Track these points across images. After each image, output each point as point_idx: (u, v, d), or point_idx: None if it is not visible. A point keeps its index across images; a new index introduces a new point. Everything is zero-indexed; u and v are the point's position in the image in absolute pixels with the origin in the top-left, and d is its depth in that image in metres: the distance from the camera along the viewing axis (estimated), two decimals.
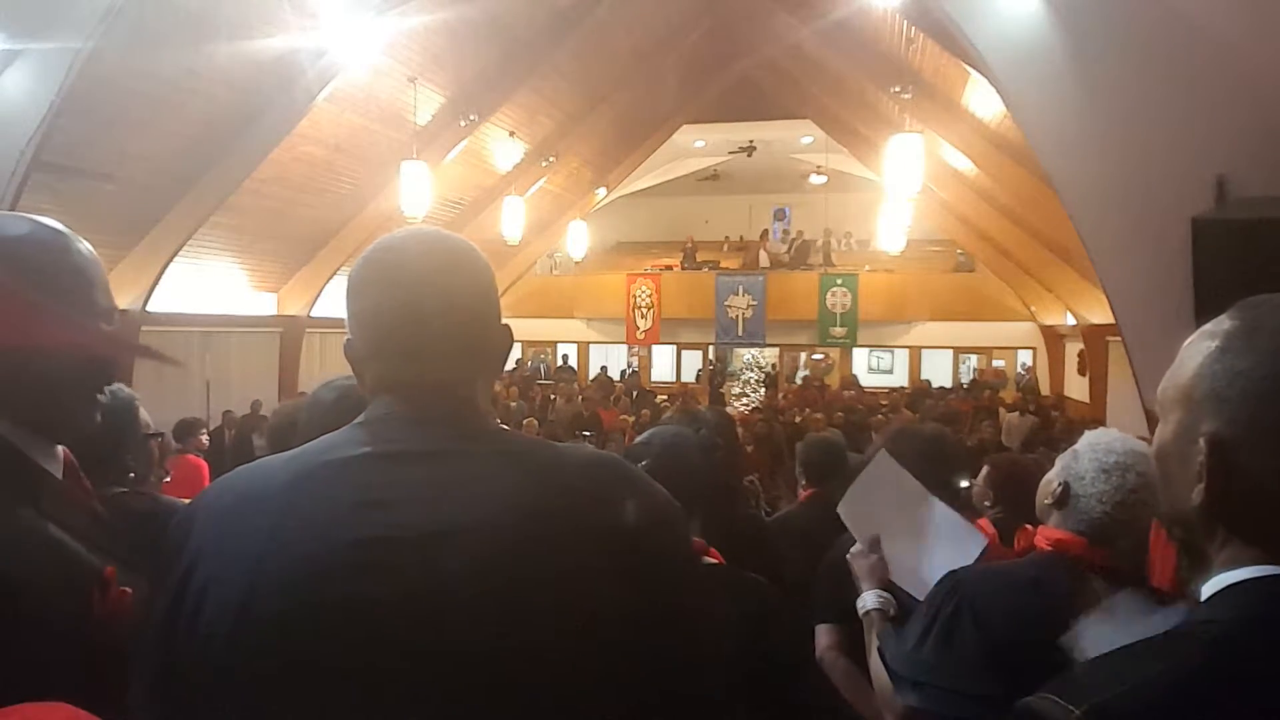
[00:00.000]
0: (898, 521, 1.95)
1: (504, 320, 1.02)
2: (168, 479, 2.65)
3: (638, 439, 1.92)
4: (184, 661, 0.84)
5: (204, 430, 6.74)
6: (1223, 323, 0.83)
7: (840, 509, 2.02)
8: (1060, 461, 1.71)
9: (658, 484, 0.95)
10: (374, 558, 0.82)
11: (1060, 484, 1.66)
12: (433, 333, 0.94)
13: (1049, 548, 1.64)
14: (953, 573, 1.68)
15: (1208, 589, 0.79)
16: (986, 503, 2.41)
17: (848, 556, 1.96)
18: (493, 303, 1.00)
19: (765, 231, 19.03)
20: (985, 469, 2.65)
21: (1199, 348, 0.83)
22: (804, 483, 3.53)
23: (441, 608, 0.80)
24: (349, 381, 1.72)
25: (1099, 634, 1.51)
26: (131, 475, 2.01)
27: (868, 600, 1.88)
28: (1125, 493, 1.58)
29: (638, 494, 0.91)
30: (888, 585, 1.91)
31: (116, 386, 2.03)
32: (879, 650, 1.73)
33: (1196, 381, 0.81)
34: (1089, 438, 1.69)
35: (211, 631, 0.83)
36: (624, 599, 0.83)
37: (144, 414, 2.09)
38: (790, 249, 18.24)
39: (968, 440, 9.17)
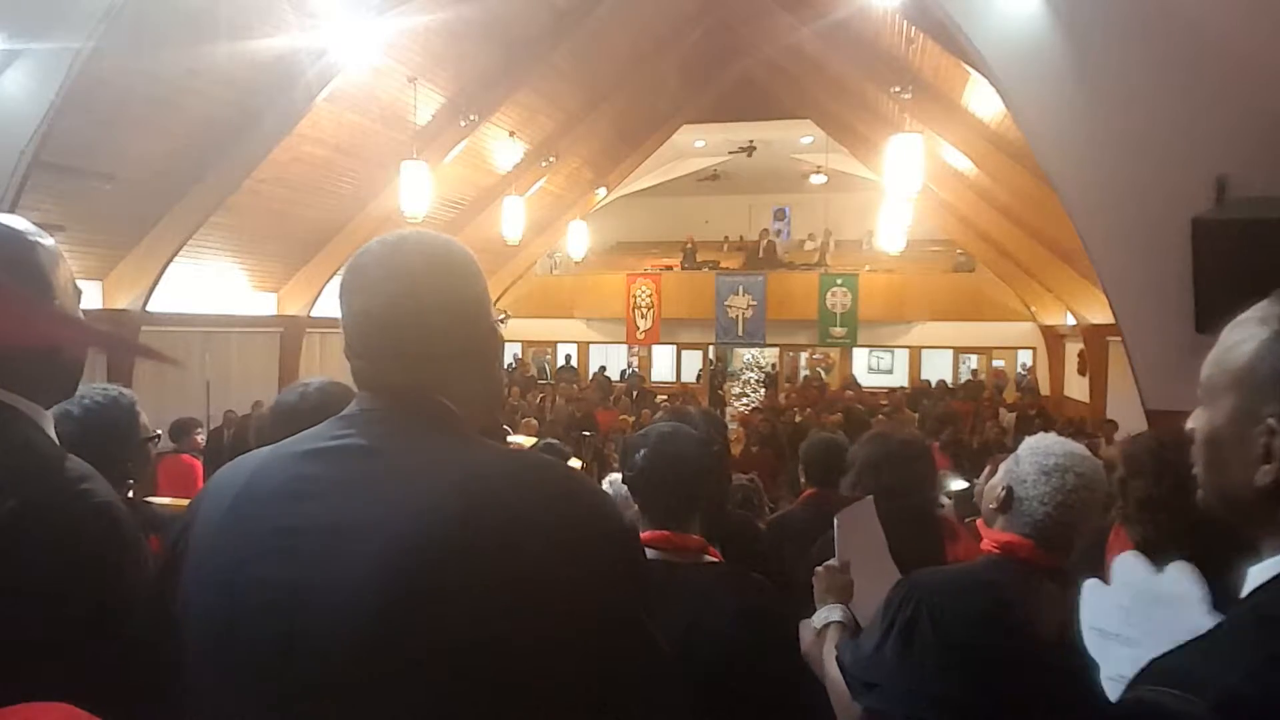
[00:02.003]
0: (868, 560, 1.99)
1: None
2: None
3: (637, 433, 1.93)
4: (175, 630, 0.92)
5: (199, 430, 6.73)
6: (1274, 307, 0.82)
7: (836, 519, 2.04)
8: (1004, 467, 1.76)
9: (603, 493, 0.95)
10: (284, 545, 0.86)
11: (1004, 488, 1.71)
12: (386, 334, 0.97)
13: (997, 550, 1.69)
14: (909, 576, 1.72)
15: (1263, 571, 0.79)
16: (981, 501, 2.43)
17: (819, 569, 1.98)
18: (467, 303, 1.01)
19: (764, 231, 19.03)
20: (988, 468, 2.67)
21: (1251, 333, 0.83)
22: (804, 482, 3.54)
23: (336, 598, 0.82)
24: (317, 382, 1.74)
25: (1095, 600, 1.53)
26: (130, 481, 2.01)
27: (831, 613, 1.89)
28: (1065, 493, 1.64)
29: (567, 502, 0.89)
30: (848, 605, 1.93)
31: (118, 392, 2.04)
32: (837, 659, 1.75)
33: (1255, 364, 0.81)
34: (1029, 442, 1.74)
35: (178, 606, 0.91)
36: (534, 609, 0.81)
37: (144, 418, 2.10)
38: (822, 257, 18.03)
39: (972, 442, 9.18)
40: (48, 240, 1.16)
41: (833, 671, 1.77)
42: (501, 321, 1.08)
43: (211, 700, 0.87)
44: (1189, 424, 0.91)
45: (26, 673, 0.92)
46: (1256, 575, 0.80)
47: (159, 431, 2.32)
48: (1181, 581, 1.49)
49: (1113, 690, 1.44)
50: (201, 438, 6.88)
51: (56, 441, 1.14)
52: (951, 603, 1.61)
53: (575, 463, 5.06)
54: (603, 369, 17.87)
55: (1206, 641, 0.81)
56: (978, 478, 2.69)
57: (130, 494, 2.11)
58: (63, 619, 0.97)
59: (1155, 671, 0.80)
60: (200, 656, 0.88)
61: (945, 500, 3.62)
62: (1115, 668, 1.45)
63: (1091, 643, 1.52)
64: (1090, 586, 1.59)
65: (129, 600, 1.02)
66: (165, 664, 0.94)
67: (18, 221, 1.14)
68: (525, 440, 5.26)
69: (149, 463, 2.19)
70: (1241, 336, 0.83)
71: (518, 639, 0.81)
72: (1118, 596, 1.55)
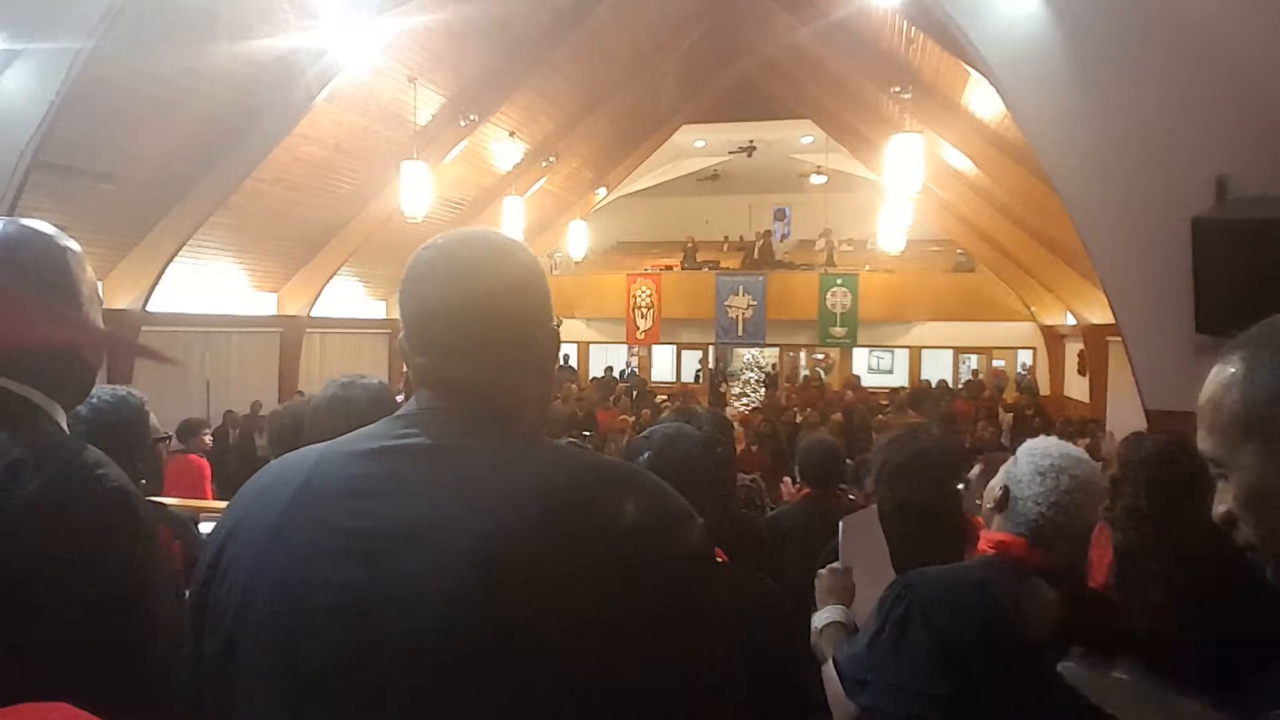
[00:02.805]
0: (871, 566, 2.00)
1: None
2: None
3: (641, 435, 1.93)
4: (212, 634, 0.89)
5: (206, 430, 6.73)
6: (1248, 347, 0.79)
7: (842, 524, 2.05)
8: (1003, 467, 1.78)
9: (670, 489, 0.94)
10: (356, 546, 0.84)
11: (1001, 488, 1.72)
12: (454, 331, 0.95)
13: (992, 550, 1.71)
14: (903, 576, 1.73)
15: None
16: (978, 500, 2.42)
17: (822, 571, 1.99)
18: (537, 305, 1.00)
19: (764, 233, 19.02)
20: (977, 466, 2.66)
21: (1251, 378, 0.78)
22: (800, 483, 3.55)
23: (415, 601, 0.81)
24: (348, 380, 1.74)
25: None
26: (143, 482, 2.02)
27: (830, 614, 1.90)
28: (1060, 494, 1.65)
29: (643, 500, 0.89)
30: (848, 608, 1.94)
31: (127, 392, 2.06)
32: (833, 658, 1.77)
33: (1272, 406, 0.76)
34: (1028, 444, 1.76)
35: (225, 613, 0.87)
36: (613, 607, 0.81)
37: (154, 419, 2.11)
38: (829, 257, 17.96)
39: (967, 441, 9.17)
40: (75, 244, 1.18)
41: (829, 671, 1.78)
42: (558, 326, 1.08)
43: (268, 701, 0.84)
44: (1218, 508, 0.83)
45: (51, 650, 0.94)
46: None
47: (169, 433, 2.33)
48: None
49: None
50: (209, 438, 6.88)
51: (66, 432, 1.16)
52: (943, 600, 1.62)
53: None
54: (609, 369, 17.87)
55: None
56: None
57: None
58: (84, 598, 0.99)
59: None
60: (254, 655, 0.85)
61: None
62: None
63: None
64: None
65: (147, 581, 1.04)
66: (180, 645, 0.93)
67: (45, 226, 1.16)
68: None
69: (160, 463, 2.20)
70: (1245, 383, 0.79)
71: (597, 637, 0.81)
72: None
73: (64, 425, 1.16)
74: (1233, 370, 0.79)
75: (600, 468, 0.94)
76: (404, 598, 0.81)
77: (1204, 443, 0.82)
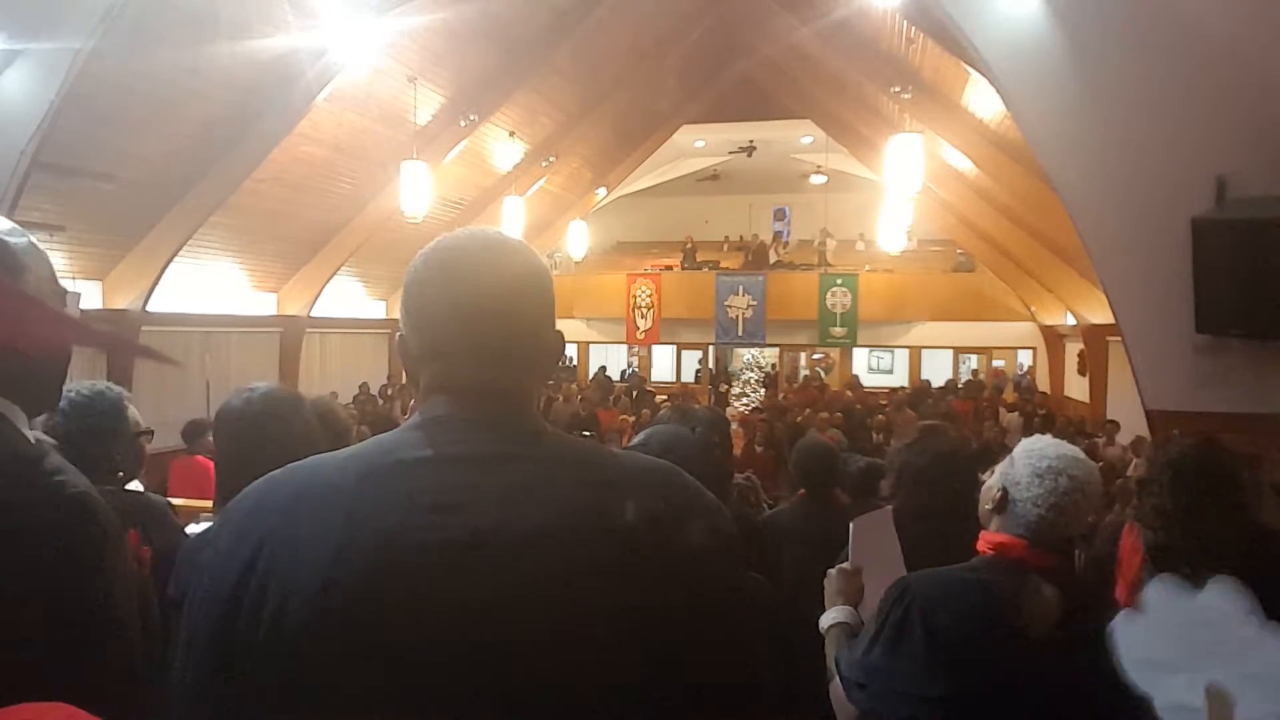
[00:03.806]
0: (881, 568, 1.99)
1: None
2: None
3: (635, 439, 1.92)
4: (243, 656, 0.82)
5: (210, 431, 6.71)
6: None
7: (853, 525, 2.05)
8: (999, 468, 1.78)
9: (710, 495, 0.96)
10: (449, 561, 0.82)
11: (999, 489, 1.73)
12: (490, 334, 0.93)
13: (991, 551, 1.71)
14: (902, 578, 1.73)
15: None
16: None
17: (831, 571, 1.99)
18: (549, 306, 1.00)
19: (763, 243, 19.02)
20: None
21: None
22: (797, 483, 3.56)
23: (513, 613, 0.81)
24: (250, 391, 1.75)
25: (1133, 630, 1.52)
26: (120, 474, 2.02)
27: (837, 614, 1.90)
28: (1059, 495, 1.66)
29: (697, 505, 0.92)
30: (856, 609, 1.94)
31: (105, 385, 2.05)
32: (835, 659, 1.77)
33: None
34: (1024, 444, 1.76)
35: (279, 626, 0.81)
36: (681, 610, 0.84)
37: (134, 412, 2.10)
38: (821, 258, 18.02)
39: (974, 443, 9.17)
40: (17, 239, 1.14)
41: (834, 674, 1.77)
42: None
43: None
44: None
45: (10, 664, 0.92)
46: None
47: (151, 428, 2.31)
48: (1223, 598, 1.48)
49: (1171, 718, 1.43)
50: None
51: (33, 440, 1.13)
52: (943, 602, 1.62)
53: None
54: (603, 369, 17.86)
55: None
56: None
57: (127, 486, 2.11)
58: (43, 605, 0.97)
59: None
60: (341, 675, 0.80)
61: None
62: (1170, 696, 1.44)
63: (1138, 675, 1.50)
64: (1124, 619, 1.58)
65: (107, 587, 1.02)
66: (148, 653, 0.92)
67: None
68: None
69: (141, 456, 2.19)
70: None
71: (687, 631, 0.84)
72: (1160, 624, 1.53)
73: (26, 431, 1.12)
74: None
75: (653, 469, 0.96)
76: (486, 608, 0.81)
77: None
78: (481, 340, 0.93)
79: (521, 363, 0.95)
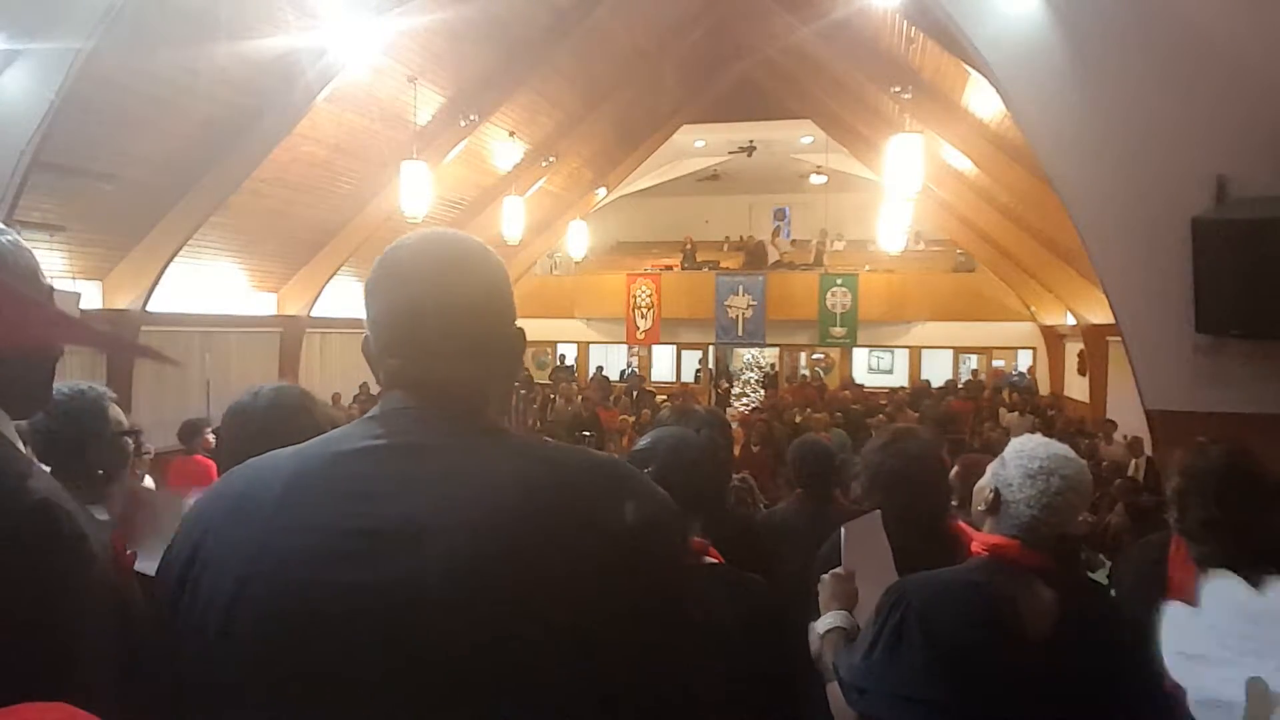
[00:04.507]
0: (874, 571, 1.99)
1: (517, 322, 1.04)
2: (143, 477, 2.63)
3: (640, 442, 1.91)
4: (190, 643, 0.87)
5: (209, 430, 6.71)
6: None
7: (844, 529, 2.04)
8: (990, 469, 1.78)
9: (657, 487, 0.95)
10: (357, 548, 0.84)
11: (991, 490, 1.73)
12: (434, 330, 0.96)
13: (985, 553, 1.71)
14: (898, 582, 1.73)
15: None
16: (954, 502, 2.41)
17: (825, 576, 1.98)
18: (502, 304, 1.01)
19: (760, 243, 19.01)
20: (955, 468, 2.64)
21: None
22: (795, 483, 3.55)
23: (418, 600, 0.81)
24: (279, 388, 1.75)
25: (1182, 623, 1.52)
26: (100, 472, 2.00)
27: (832, 619, 1.89)
28: (1051, 495, 1.66)
29: (635, 497, 0.90)
30: (852, 613, 1.92)
31: (87, 385, 2.04)
32: (834, 665, 1.76)
33: None
34: (1015, 445, 1.76)
35: (206, 618, 0.86)
36: (612, 604, 0.83)
37: (117, 412, 2.08)
38: (817, 258, 17.97)
39: (973, 442, 9.17)
40: (3, 237, 1.13)
41: (832, 678, 1.77)
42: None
43: (272, 704, 0.84)
44: None
45: None
46: None
47: (137, 427, 2.29)
48: None
49: (1202, 713, 1.43)
50: (212, 437, 6.85)
51: (16, 442, 1.12)
52: (940, 605, 1.62)
53: None
54: (600, 369, 17.86)
55: None
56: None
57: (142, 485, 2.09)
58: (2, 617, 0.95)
59: None
60: (253, 661, 0.84)
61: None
62: (1206, 690, 1.44)
63: (1176, 667, 1.51)
64: (1175, 611, 1.58)
65: (70, 598, 1.00)
66: (114, 663, 0.93)
67: None
68: None
69: (126, 456, 2.17)
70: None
71: (596, 628, 0.82)
72: (1210, 618, 1.54)
73: (8, 431, 1.11)
74: None
75: (584, 464, 0.94)
76: (411, 595, 0.81)
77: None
78: (422, 337, 0.96)
79: (465, 358, 0.96)
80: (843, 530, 2.05)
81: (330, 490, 0.88)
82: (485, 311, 0.99)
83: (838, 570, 1.98)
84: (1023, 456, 1.70)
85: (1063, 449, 1.72)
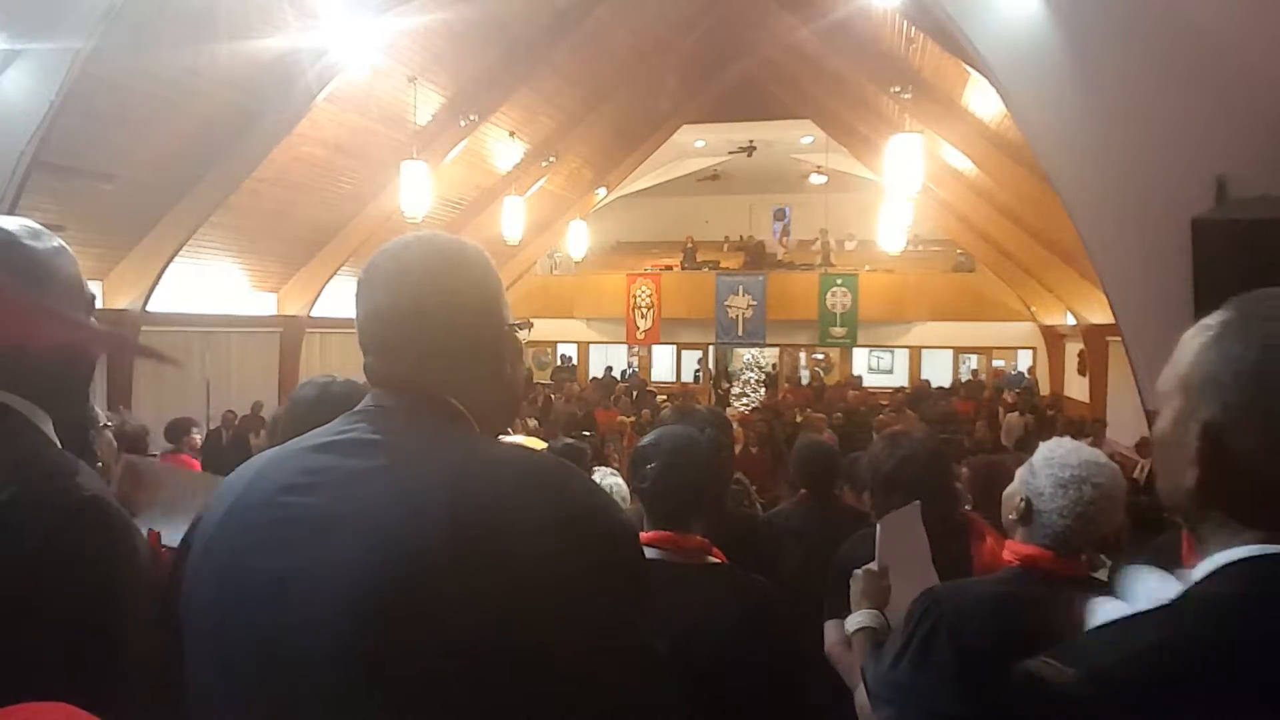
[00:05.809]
0: (909, 567, 1.94)
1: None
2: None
3: (644, 439, 1.90)
4: (180, 627, 0.94)
5: (196, 429, 6.70)
6: (1219, 314, 0.85)
7: (880, 523, 2.00)
8: (1019, 476, 1.73)
9: (595, 489, 0.93)
10: (279, 536, 0.87)
11: (1022, 499, 1.69)
12: (395, 329, 0.98)
13: (1018, 562, 1.67)
14: (929, 590, 1.69)
15: (1203, 568, 0.81)
16: (967, 506, 2.40)
17: (857, 571, 1.95)
18: (476, 303, 1.01)
19: (760, 243, 19.01)
20: (964, 471, 2.63)
21: (1196, 339, 0.85)
22: (798, 484, 3.55)
23: (321, 589, 0.82)
24: (328, 379, 1.74)
25: (1110, 610, 1.51)
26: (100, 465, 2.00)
27: (862, 618, 1.86)
28: (1084, 504, 1.62)
29: (561, 497, 0.87)
30: (883, 610, 1.90)
31: None
32: (862, 670, 1.73)
33: (1193, 369, 0.83)
34: (1044, 451, 1.71)
35: (182, 600, 0.93)
36: (520, 609, 0.79)
37: (95, 408, 2.09)
38: (825, 258, 17.97)
39: (966, 442, 9.17)
40: (45, 243, 1.14)
41: (859, 681, 1.75)
42: (522, 328, 1.07)
43: (210, 694, 0.88)
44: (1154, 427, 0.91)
45: (22, 662, 0.93)
46: (1194, 575, 0.82)
47: (108, 420, 2.30)
48: None
49: None
50: (199, 438, 6.85)
51: (56, 441, 1.14)
52: (971, 616, 1.58)
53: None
54: (609, 369, 17.87)
55: (1122, 622, 0.85)
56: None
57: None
58: (58, 609, 0.97)
59: (1068, 645, 0.84)
60: (199, 651, 0.90)
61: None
62: None
63: None
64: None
65: (123, 591, 1.03)
66: (162, 657, 0.95)
67: (10, 223, 1.14)
68: (528, 440, 5.24)
69: (109, 451, 2.17)
70: (1190, 342, 0.86)
71: (503, 638, 0.78)
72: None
73: (49, 431, 1.13)
74: (1206, 335, 0.84)
75: (521, 465, 0.90)
76: (314, 586, 0.82)
77: (1162, 373, 0.89)
78: (391, 338, 0.99)
79: (434, 359, 0.98)
80: (879, 524, 2.00)
81: (281, 482, 0.91)
82: (450, 309, 0.99)
83: (870, 566, 1.94)
84: (1053, 464, 1.66)
85: (1094, 455, 1.67)
